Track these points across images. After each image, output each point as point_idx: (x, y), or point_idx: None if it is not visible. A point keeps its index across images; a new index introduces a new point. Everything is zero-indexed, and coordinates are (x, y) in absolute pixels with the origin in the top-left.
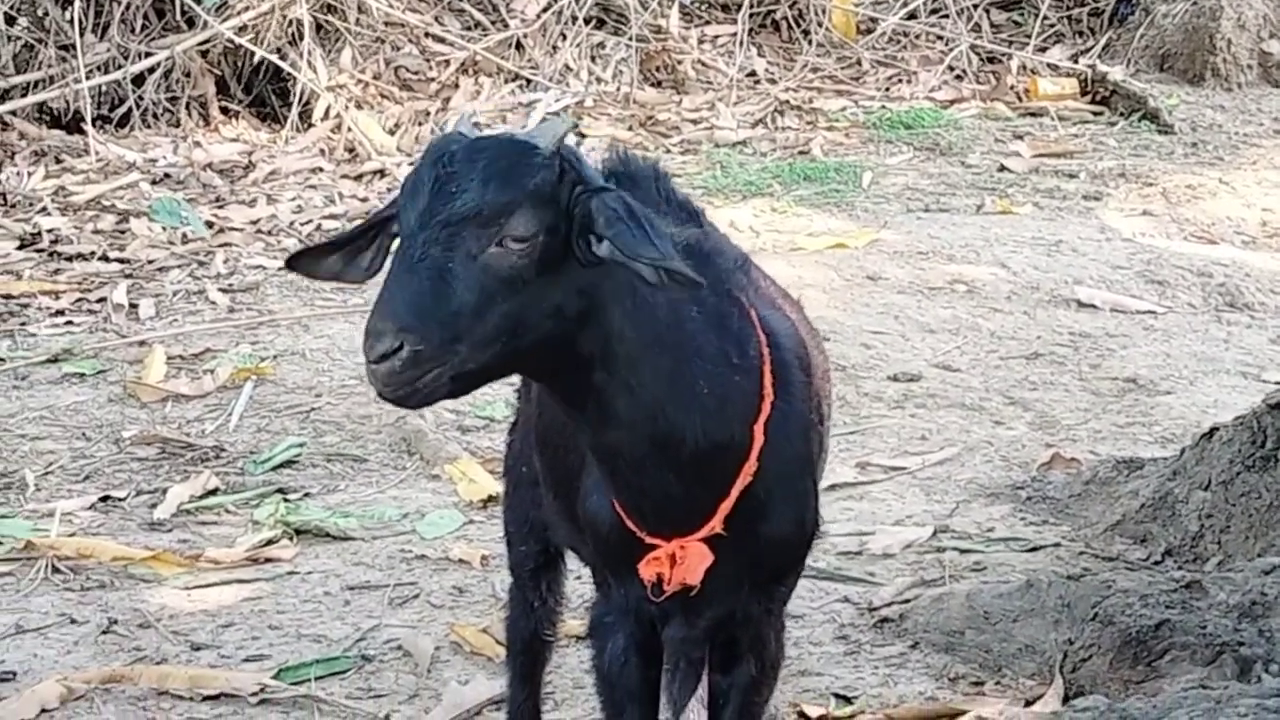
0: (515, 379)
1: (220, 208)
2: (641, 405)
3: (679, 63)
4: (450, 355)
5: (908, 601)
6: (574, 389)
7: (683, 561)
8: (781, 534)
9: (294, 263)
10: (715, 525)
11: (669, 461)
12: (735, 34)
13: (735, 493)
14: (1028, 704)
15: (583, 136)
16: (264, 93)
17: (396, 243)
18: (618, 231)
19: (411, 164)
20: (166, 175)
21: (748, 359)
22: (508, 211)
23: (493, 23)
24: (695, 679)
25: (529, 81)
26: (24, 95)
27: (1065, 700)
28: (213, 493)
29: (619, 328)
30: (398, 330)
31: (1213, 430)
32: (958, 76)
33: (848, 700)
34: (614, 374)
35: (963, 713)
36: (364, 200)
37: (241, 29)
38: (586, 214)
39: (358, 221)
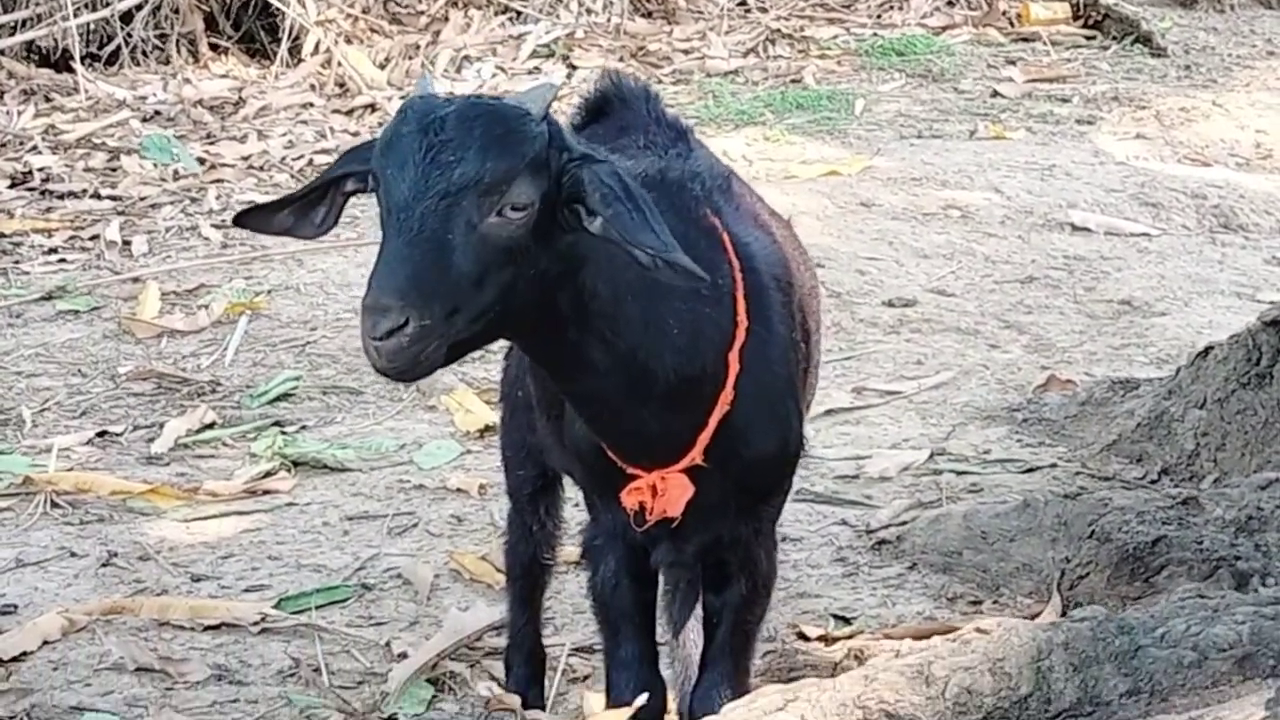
0: None
1: (211, 144)
2: (616, 354)
3: None
4: (450, 327)
5: (905, 523)
6: (549, 346)
7: (663, 493)
8: (764, 457)
9: (243, 219)
10: (695, 457)
11: (644, 400)
12: None
13: (713, 423)
14: (1028, 620)
15: (574, 69)
16: (253, 28)
17: (384, 212)
18: (616, 213)
19: (403, 98)
20: (157, 112)
21: (717, 289)
22: (508, 180)
23: None
24: (693, 599)
25: (519, 14)
26: (12, 34)
27: (1064, 616)
28: (209, 426)
29: (593, 284)
30: (403, 307)
31: (1208, 349)
32: (949, 3)
33: (846, 621)
34: (589, 328)
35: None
36: (355, 135)
37: None
38: (577, 184)
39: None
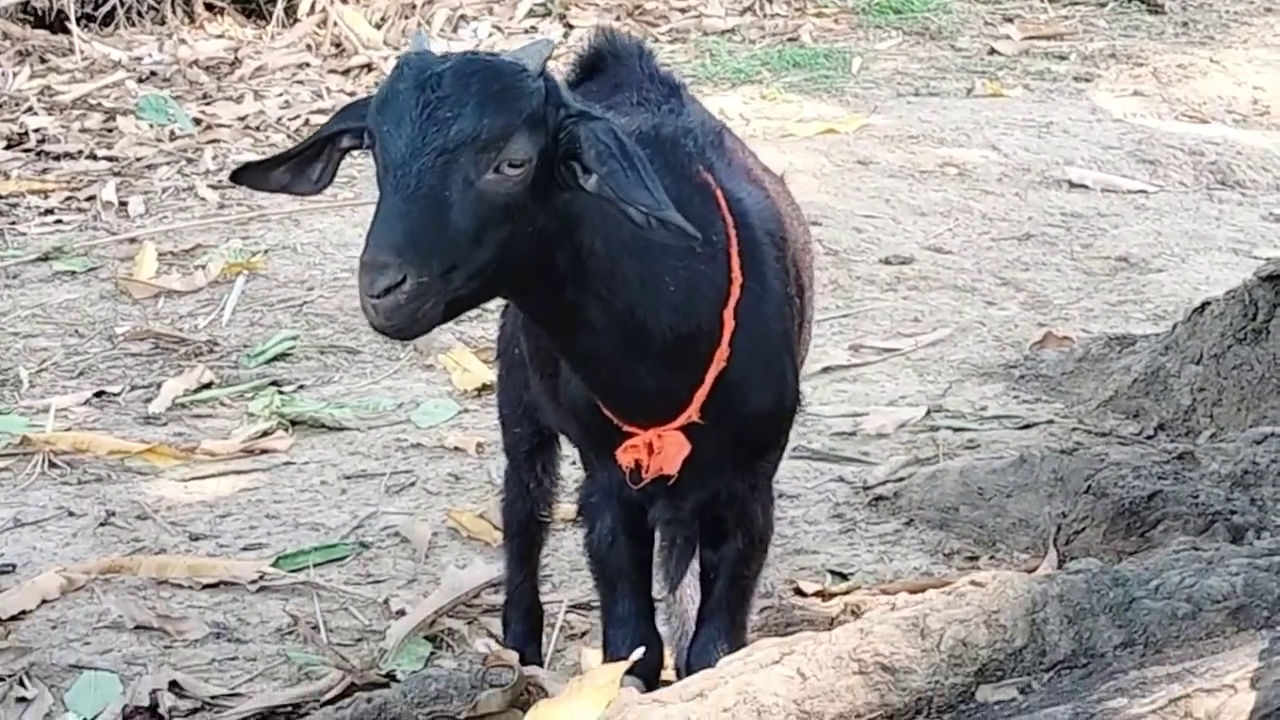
0: None
1: (207, 104)
2: (613, 312)
3: None
4: (448, 284)
5: (902, 480)
6: (547, 305)
7: (660, 451)
8: (760, 412)
9: (239, 176)
10: (692, 414)
11: (640, 358)
12: None
13: (709, 380)
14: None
15: (570, 28)
16: None
17: (381, 169)
18: (610, 170)
19: (386, 76)
20: (152, 73)
21: (712, 245)
22: (506, 136)
23: None
24: (689, 555)
25: None
26: None
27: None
28: (207, 386)
29: (590, 242)
30: (400, 264)
31: (1204, 305)
32: None
33: (844, 577)
34: (586, 287)
35: None
36: (351, 95)
37: None
38: (573, 141)
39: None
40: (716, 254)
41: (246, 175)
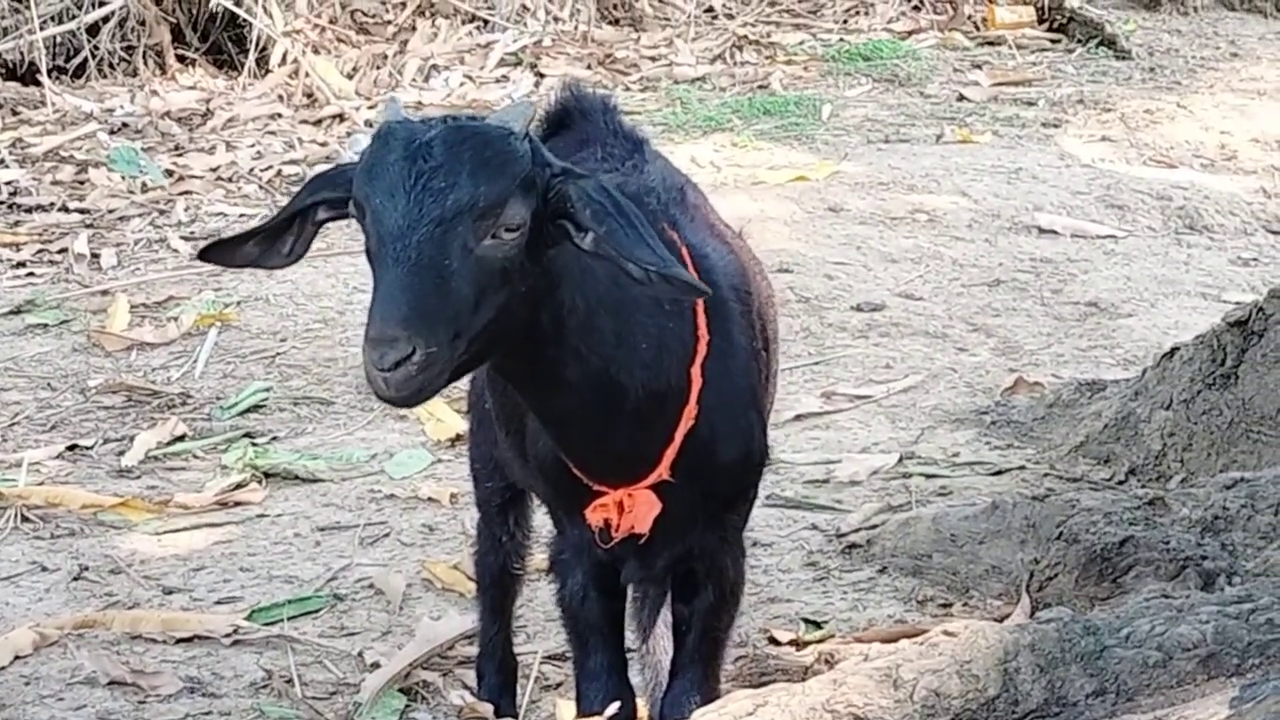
0: None
1: (179, 156)
2: (589, 370)
3: (636, 0)
4: (454, 351)
5: (875, 527)
6: (526, 364)
7: (630, 510)
8: (730, 467)
9: (207, 254)
10: (662, 472)
11: (613, 417)
12: None
13: (679, 438)
14: (996, 622)
15: (541, 77)
16: (220, 40)
17: (374, 242)
18: (610, 229)
19: (371, 108)
20: (124, 125)
21: (679, 303)
22: (501, 202)
23: None
24: (661, 606)
25: (486, 22)
26: None
27: (1032, 617)
28: (180, 439)
29: (571, 298)
30: (409, 336)
31: (1173, 350)
32: (915, 7)
33: (818, 625)
34: (564, 344)
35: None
36: (323, 145)
37: None
38: (564, 199)
39: (303, 181)
40: (683, 311)
41: (214, 253)
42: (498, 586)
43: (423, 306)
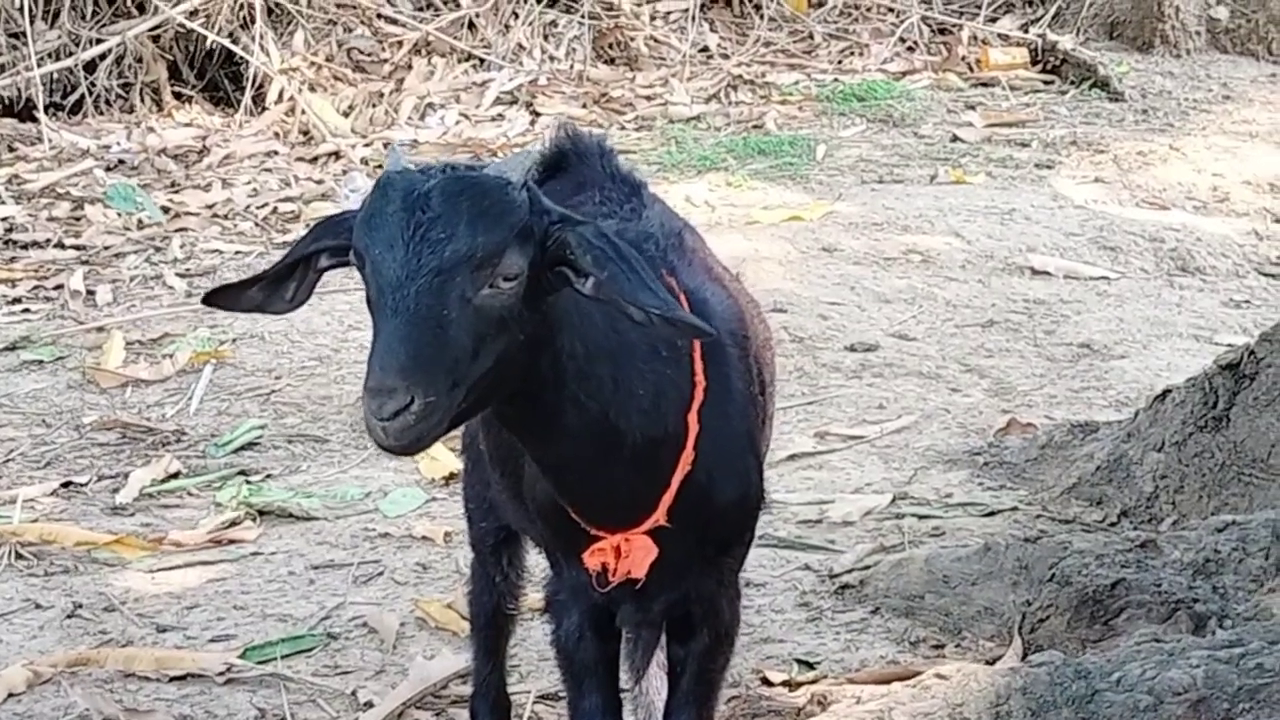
0: None
1: (175, 193)
2: (587, 415)
3: (632, 39)
4: (453, 399)
5: (868, 568)
6: (524, 410)
7: (627, 555)
8: (726, 512)
9: (212, 298)
10: (659, 518)
11: (611, 463)
12: (687, 9)
13: (676, 483)
14: (988, 664)
15: (537, 115)
16: (217, 77)
17: (374, 292)
18: (612, 274)
19: (367, 146)
20: (121, 161)
21: (676, 349)
22: (499, 252)
23: (445, 2)
24: (654, 646)
25: (482, 61)
26: None
27: (1024, 660)
28: (174, 476)
29: (569, 344)
30: (408, 386)
31: (1165, 392)
32: (909, 48)
33: (810, 666)
34: (564, 390)
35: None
36: (319, 182)
37: (193, 13)
38: (563, 246)
39: (305, 223)
40: (681, 357)
41: (219, 297)
42: (491, 626)
43: (421, 356)
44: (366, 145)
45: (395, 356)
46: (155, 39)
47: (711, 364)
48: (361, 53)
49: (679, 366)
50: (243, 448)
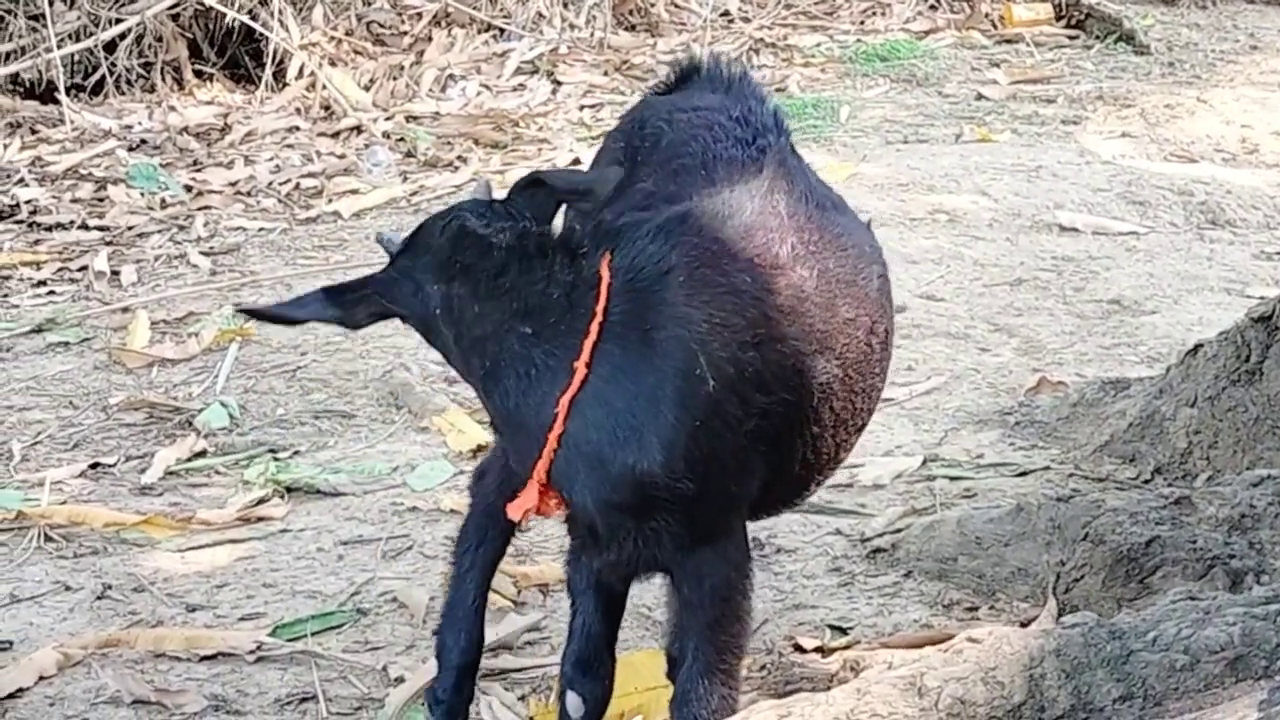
0: None
1: (198, 171)
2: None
3: (652, 5)
4: None
5: (899, 531)
6: None
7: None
8: (588, 505)
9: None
10: (539, 477)
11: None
12: None
13: (547, 455)
14: (1022, 626)
15: (558, 84)
16: (237, 54)
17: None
18: None
19: (388, 119)
20: (143, 141)
21: (554, 336)
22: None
23: None
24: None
25: (502, 31)
26: None
27: (1058, 620)
28: (201, 455)
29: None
30: None
31: (1197, 347)
32: (932, 7)
33: (843, 631)
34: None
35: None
36: (341, 157)
37: None
38: None
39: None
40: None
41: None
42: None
43: None
44: (388, 119)
45: None
46: (175, 17)
47: (601, 356)
48: (381, 26)
49: (555, 354)
50: (270, 424)
